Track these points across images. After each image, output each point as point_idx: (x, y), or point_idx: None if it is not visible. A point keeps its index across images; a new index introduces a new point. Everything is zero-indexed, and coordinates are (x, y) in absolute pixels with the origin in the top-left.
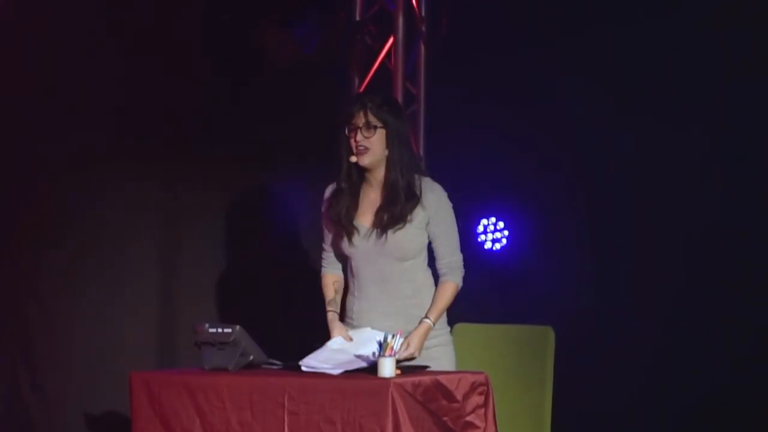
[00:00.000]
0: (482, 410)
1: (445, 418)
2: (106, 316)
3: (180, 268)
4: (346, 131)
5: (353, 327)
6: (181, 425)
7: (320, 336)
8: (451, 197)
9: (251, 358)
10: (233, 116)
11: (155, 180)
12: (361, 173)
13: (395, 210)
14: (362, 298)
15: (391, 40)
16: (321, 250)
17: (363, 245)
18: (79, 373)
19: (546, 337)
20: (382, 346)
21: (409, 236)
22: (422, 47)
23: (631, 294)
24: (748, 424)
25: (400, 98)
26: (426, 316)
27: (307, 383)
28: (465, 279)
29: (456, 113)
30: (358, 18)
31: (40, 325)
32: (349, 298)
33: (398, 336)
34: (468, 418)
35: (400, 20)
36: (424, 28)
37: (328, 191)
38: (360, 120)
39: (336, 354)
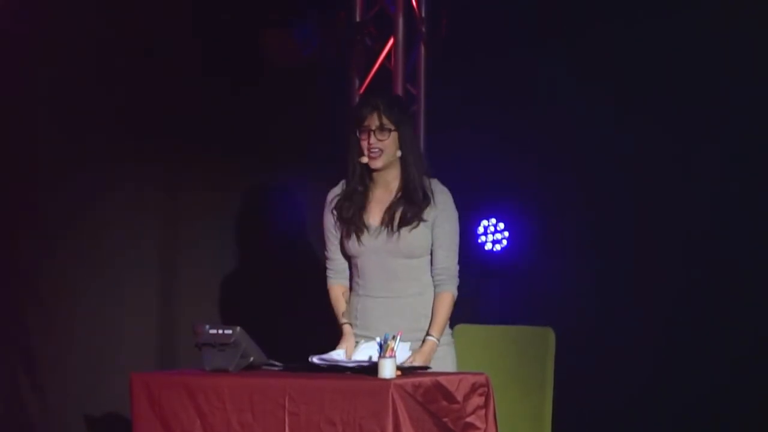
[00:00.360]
0: (483, 411)
1: (445, 419)
2: (106, 316)
3: (180, 268)
4: (357, 133)
5: (358, 326)
6: (181, 426)
7: (321, 335)
8: (452, 196)
9: (252, 359)
10: (233, 116)
11: (155, 180)
12: (368, 174)
13: (413, 209)
14: (367, 296)
15: (391, 41)
16: (325, 260)
17: (372, 243)
18: (79, 373)
19: (546, 337)
20: (383, 347)
21: (421, 235)
22: (422, 48)
23: (631, 294)
24: (748, 424)
25: None
26: (429, 334)
27: (307, 384)
28: (466, 279)
29: (456, 114)
30: (358, 19)
31: (40, 325)
32: (353, 297)
33: (399, 337)
34: (468, 419)
35: (401, 21)
36: (424, 29)
37: (331, 196)
38: (373, 122)
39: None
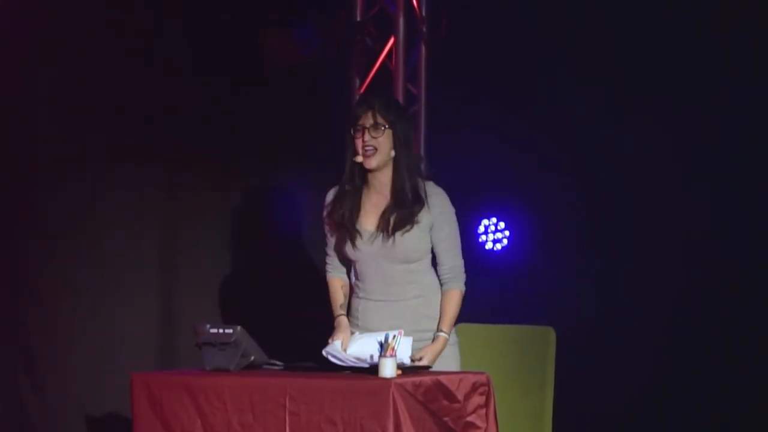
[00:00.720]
0: (483, 410)
1: (446, 419)
2: (106, 316)
3: (180, 268)
4: (352, 132)
5: (359, 327)
6: (181, 426)
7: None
8: (452, 198)
9: (252, 358)
10: (233, 116)
11: (155, 180)
12: (363, 176)
13: (404, 212)
14: (368, 299)
15: (391, 40)
16: (324, 254)
17: (367, 249)
18: (79, 373)
19: (547, 337)
20: (383, 346)
21: (416, 239)
22: (423, 48)
23: (631, 294)
24: (748, 424)
25: (400, 99)
26: (440, 329)
27: (308, 384)
28: (466, 280)
29: (456, 114)
30: (358, 19)
31: (40, 325)
32: (354, 299)
33: (399, 336)
34: (469, 419)
35: (401, 21)
36: (424, 29)
37: (330, 195)
38: (367, 120)
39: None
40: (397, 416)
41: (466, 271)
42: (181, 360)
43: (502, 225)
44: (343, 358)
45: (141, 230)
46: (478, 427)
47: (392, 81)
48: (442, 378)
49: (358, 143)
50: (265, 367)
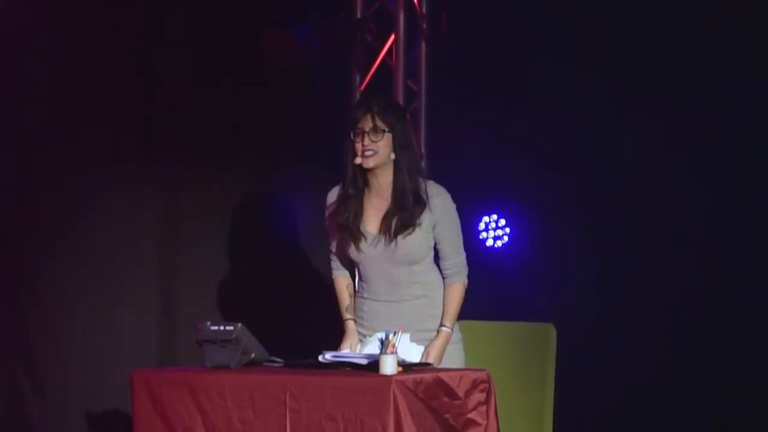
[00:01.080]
0: (484, 407)
1: (446, 416)
2: (106, 316)
3: (180, 268)
4: (352, 135)
5: (364, 327)
6: (182, 424)
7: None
8: (452, 194)
9: (253, 355)
10: (233, 116)
11: (155, 180)
12: (365, 179)
13: (405, 215)
14: (373, 299)
15: (392, 37)
16: (327, 253)
17: (371, 252)
18: (79, 373)
19: (547, 334)
20: (384, 343)
21: (418, 240)
22: (423, 44)
23: (631, 294)
24: (748, 424)
25: (401, 96)
26: (443, 324)
27: (308, 381)
28: (467, 276)
29: (456, 113)
30: (359, 16)
31: (40, 325)
32: (359, 300)
33: (400, 333)
34: (470, 416)
35: (401, 18)
36: (425, 26)
37: (331, 196)
38: (366, 124)
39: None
40: (398, 413)
41: (467, 265)
42: (181, 360)
43: (502, 222)
44: (344, 355)
45: (141, 230)
46: (479, 424)
47: (392, 78)
48: (442, 375)
49: (358, 147)
50: (266, 364)
